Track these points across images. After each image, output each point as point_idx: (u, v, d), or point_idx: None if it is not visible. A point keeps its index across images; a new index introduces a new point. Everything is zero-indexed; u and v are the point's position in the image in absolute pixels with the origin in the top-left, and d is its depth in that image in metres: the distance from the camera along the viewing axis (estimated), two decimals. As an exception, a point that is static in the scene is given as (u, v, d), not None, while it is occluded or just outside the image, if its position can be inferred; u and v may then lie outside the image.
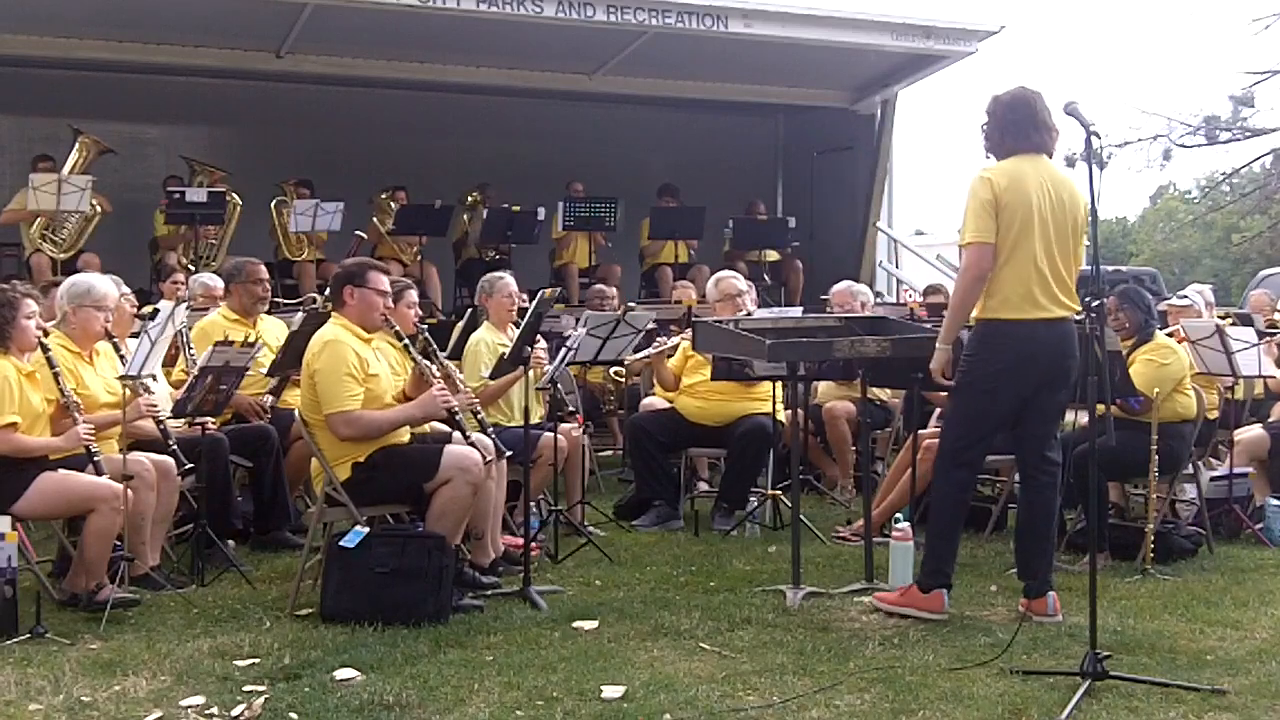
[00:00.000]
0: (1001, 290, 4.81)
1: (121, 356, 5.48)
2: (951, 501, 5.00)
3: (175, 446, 5.36)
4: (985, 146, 4.98)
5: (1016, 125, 4.88)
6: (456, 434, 5.47)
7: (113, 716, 3.83)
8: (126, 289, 6.15)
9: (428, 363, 5.47)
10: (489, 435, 5.42)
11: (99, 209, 9.95)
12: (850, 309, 7.85)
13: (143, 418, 5.27)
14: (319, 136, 11.89)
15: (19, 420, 4.89)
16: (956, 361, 4.93)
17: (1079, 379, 4.27)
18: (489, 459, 5.23)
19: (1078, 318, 4.82)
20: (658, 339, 7.51)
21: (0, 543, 4.66)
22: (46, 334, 5.20)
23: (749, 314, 7.26)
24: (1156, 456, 5.83)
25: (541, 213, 11.03)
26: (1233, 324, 7.16)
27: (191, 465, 5.40)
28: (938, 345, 4.96)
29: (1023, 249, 4.77)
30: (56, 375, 5.05)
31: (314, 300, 8.52)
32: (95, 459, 4.96)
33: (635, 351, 7.20)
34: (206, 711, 3.86)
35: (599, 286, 9.85)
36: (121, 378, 5.26)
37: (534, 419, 5.73)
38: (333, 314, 5.40)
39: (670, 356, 7.46)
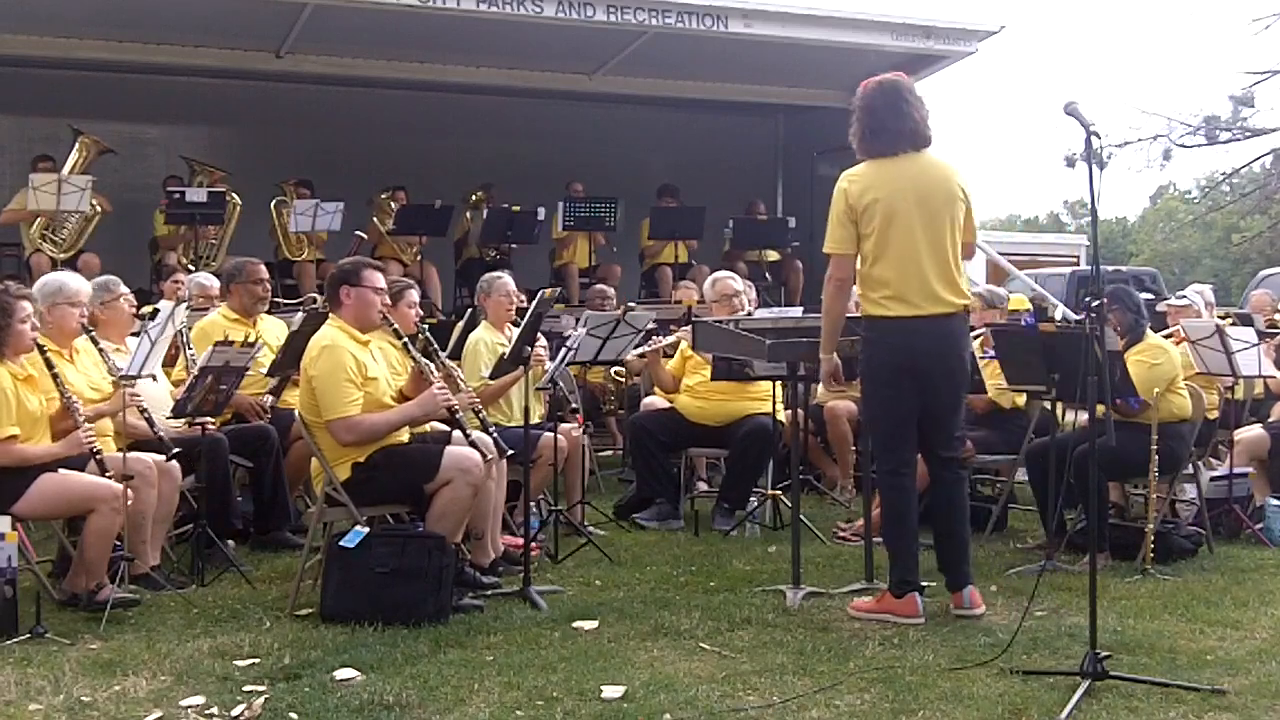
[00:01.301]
0: (877, 289, 4.85)
1: (102, 351, 5.47)
2: (894, 506, 4.99)
3: (162, 434, 5.36)
4: (855, 148, 5.00)
5: (873, 126, 4.90)
6: (457, 434, 5.48)
7: (113, 716, 3.83)
8: (126, 289, 6.15)
9: (428, 361, 5.47)
10: (490, 434, 5.41)
11: (99, 209, 9.95)
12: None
13: (127, 407, 5.25)
14: (319, 136, 11.88)
15: (18, 432, 4.88)
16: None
17: (1080, 378, 4.24)
18: (490, 457, 5.23)
19: (1076, 317, 4.82)
20: (655, 338, 7.51)
21: (0, 543, 4.66)
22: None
23: (749, 314, 7.26)
24: (1156, 456, 5.83)
25: (541, 213, 11.03)
26: (1233, 324, 7.16)
27: (179, 450, 5.39)
28: (820, 355, 5.05)
29: (892, 248, 4.80)
30: (56, 377, 5.05)
31: (314, 300, 8.52)
32: (98, 457, 4.95)
33: (636, 353, 7.21)
34: (206, 711, 3.86)
35: (599, 286, 9.85)
36: (121, 377, 5.27)
37: (534, 419, 5.73)
38: (330, 315, 5.40)
39: (669, 356, 7.46)
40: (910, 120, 4.89)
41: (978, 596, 4.98)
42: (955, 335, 4.89)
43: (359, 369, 5.14)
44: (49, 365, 5.06)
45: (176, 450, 5.35)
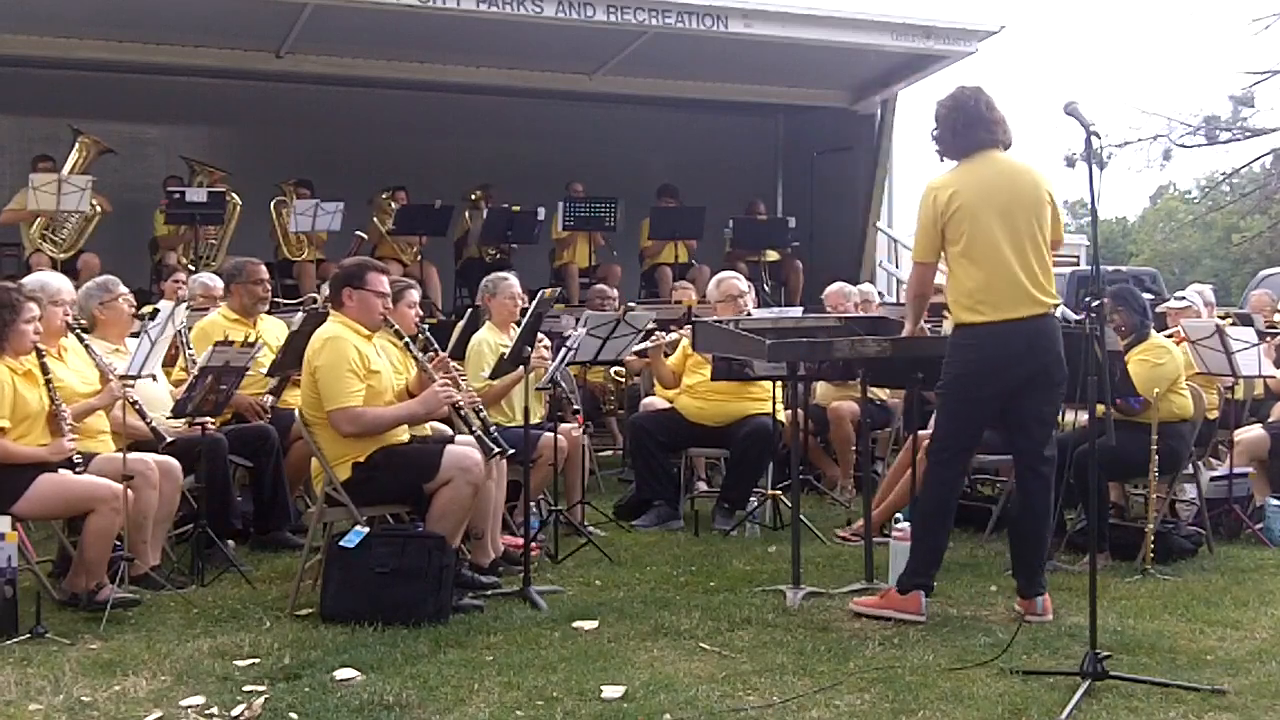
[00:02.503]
0: (969, 296, 4.82)
1: (88, 348, 5.46)
2: (938, 503, 4.99)
3: (154, 424, 5.35)
4: (938, 151, 4.99)
5: (964, 127, 4.89)
6: (457, 434, 5.47)
7: (113, 716, 3.83)
8: (125, 289, 6.16)
9: (429, 357, 5.47)
10: (491, 434, 5.40)
11: (99, 209, 9.95)
12: (843, 309, 7.86)
13: (117, 400, 5.24)
14: (319, 136, 11.88)
15: (8, 425, 4.88)
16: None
17: (1080, 378, 4.27)
18: (495, 453, 5.22)
19: (1076, 317, 4.82)
20: (657, 334, 7.50)
21: (0, 543, 4.66)
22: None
23: (749, 314, 7.26)
24: (1156, 456, 5.83)
25: (541, 213, 11.02)
26: (1233, 324, 7.16)
27: (173, 440, 5.38)
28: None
29: (982, 252, 4.78)
30: (49, 383, 5.05)
31: (314, 300, 8.52)
32: (76, 469, 4.94)
33: (637, 350, 7.21)
34: (206, 711, 3.86)
35: (600, 286, 9.85)
36: (121, 378, 5.27)
37: (534, 419, 5.73)
38: (332, 313, 5.40)
39: (670, 354, 7.46)
40: (992, 121, 4.89)
41: (1050, 604, 4.95)
42: (1048, 334, 4.85)
43: (362, 361, 5.14)
44: (44, 370, 5.05)
45: (170, 441, 5.34)
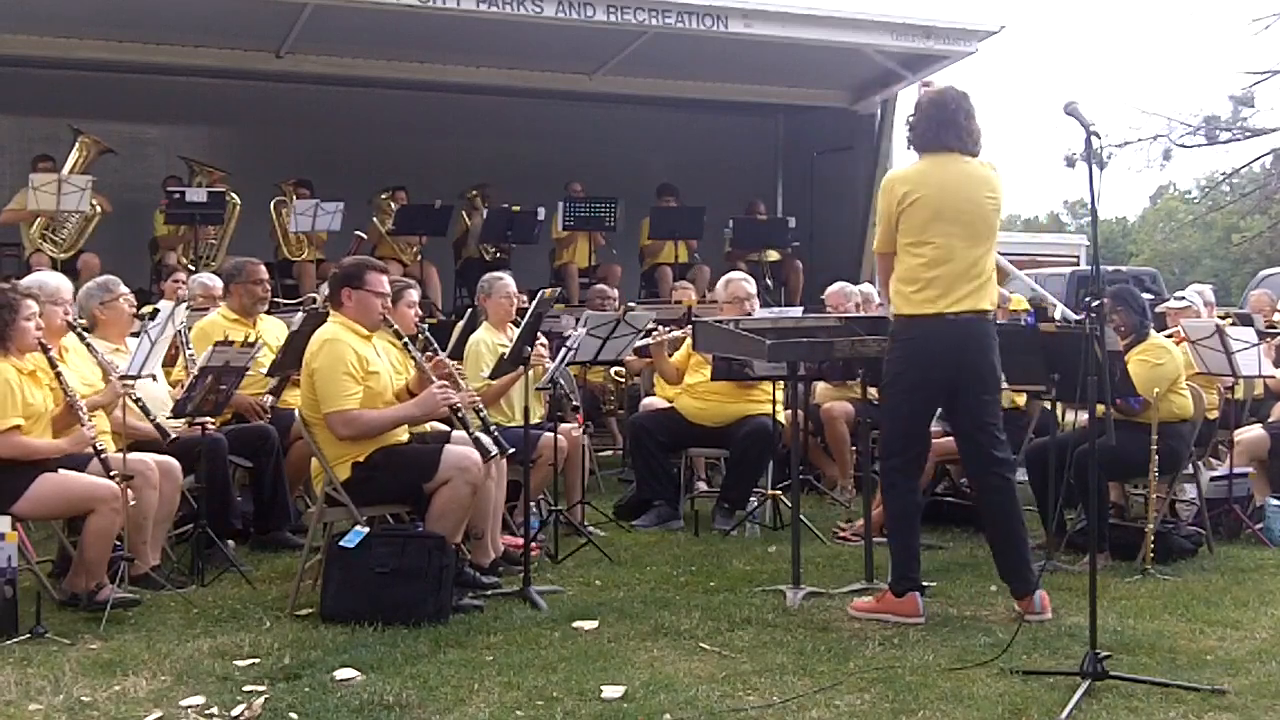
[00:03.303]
0: (907, 287, 4.86)
1: (90, 346, 5.46)
2: (900, 506, 4.99)
3: (157, 420, 5.35)
4: (909, 139, 5.04)
5: (938, 125, 4.91)
6: (456, 433, 5.48)
7: (113, 716, 3.83)
8: (126, 289, 6.16)
9: (427, 362, 5.47)
10: (492, 433, 5.41)
11: (99, 209, 9.95)
12: (844, 309, 7.85)
13: (119, 397, 5.24)
14: (319, 136, 11.88)
15: (21, 423, 4.89)
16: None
17: (1080, 378, 4.25)
18: (493, 454, 5.22)
19: (1076, 317, 4.83)
20: (661, 328, 7.49)
21: (0, 543, 4.66)
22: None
23: (748, 314, 7.26)
24: (1156, 456, 5.83)
25: (541, 213, 11.02)
26: (1233, 324, 7.16)
27: (176, 436, 5.37)
28: None
29: (929, 246, 4.81)
30: (59, 375, 5.05)
31: (314, 300, 8.51)
32: (102, 456, 4.95)
33: (638, 348, 7.21)
34: (206, 711, 3.86)
35: (600, 286, 9.85)
36: (121, 378, 5.27)
37: (534, 419, 5.73)
38: (331, 313, 5.40)
39: (675, 350, 7.44)
40: (962, 129, 4.91)
41: (1047, 600, 4.95)
42: (982, 336, 4.88)
43: (360, 363, 5.14)
44: (52, 365, 5.06)
45: (174, 437, 5.34)
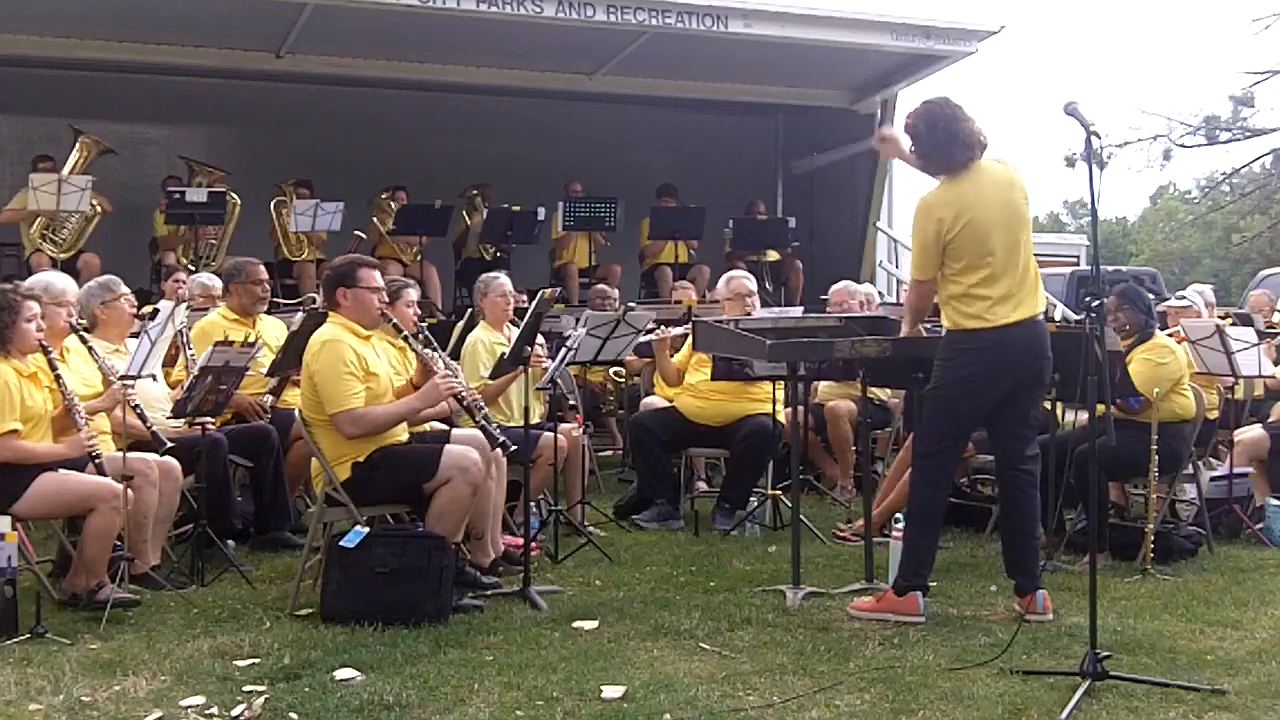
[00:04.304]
0: (971, 305, 4.84)
1: (91, 349, 5.46)
2: (928, 505, 5.00)
3: (154, 429, 5.35)
4: (924, 168, 5.00)
5: (940, 145, 4.89)
6: (456, 432, 5.47)
7: (113, 716, 3.83)
8: (126, 289, 6.16)
9: (430, 353, 5.47)
10: (493, 431, 5.39)
11: (99, 209, 9.96)
12: (849, 309, 7.85)
13: (119, 403, 5.24)
14: (319, 136, 11.88)
15: (20, 427, 4.89)
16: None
17: (1080, 378, 4.26)
18: (500, 441, 5.21)
19: (1076, 317, 4.84)
20: (663, 327, 7.48)
21: (0, 543, 4.66)
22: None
23: (747, 313, 7.26)
24: (1156, 456, 5.83)
25: (541, 213, 11.03)
26: (1233, 324, 7.16)
27: (172, 444, 5.37)
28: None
29: (979, 260, 4.80)
30: (59, 378, 5.05)
31: (313, 300, 8.51)
32: (97, 461, 4.95)
33: (638, 348, 7.21)
34: (206, 711, 3.86)
35: (600, 286, 9.85)
36: (121, 378, 5.26)
37: (534, 419, 5.73)
38: (330, 314, 5.39)
39: (677, 350, 7.44)
40: (975, 126, 4.90)
41: (1049, 600, 4.96)
42: (1041, 338, 4.91)
43: (359, 362, 5.13)
44: (52, 367, 5.06)
45: (170, 445, 5.34)
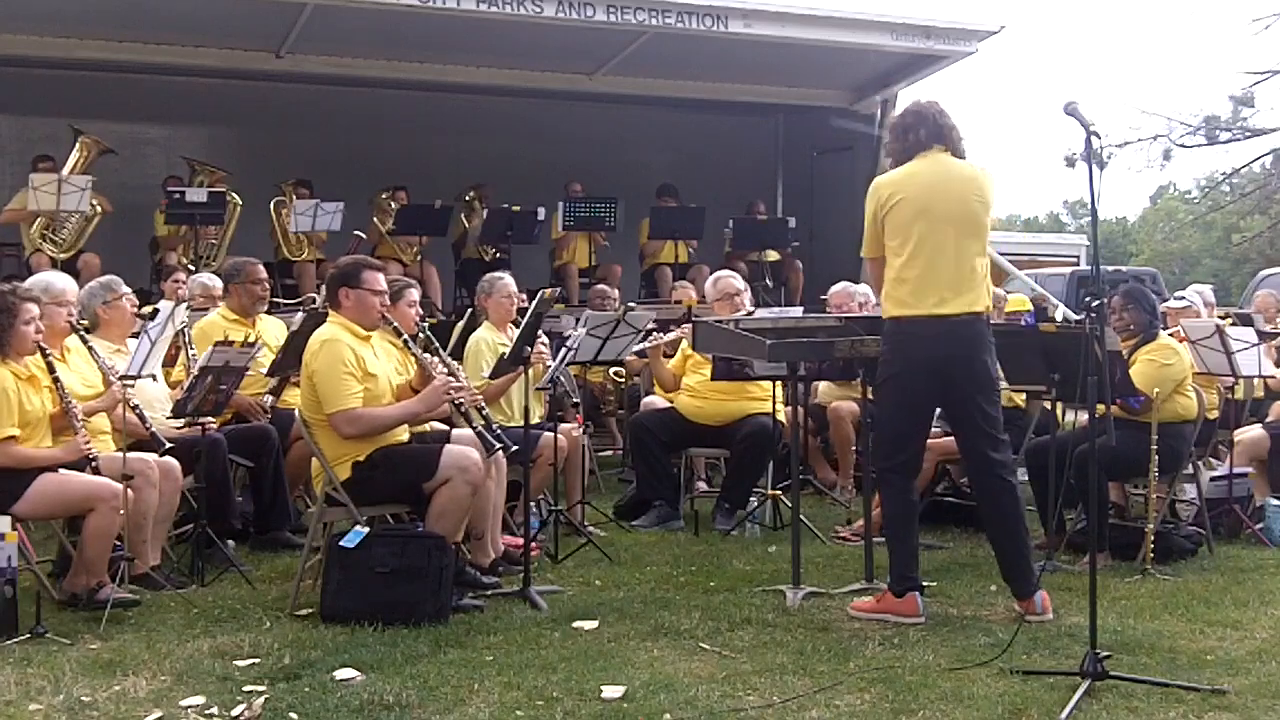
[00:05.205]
0: (897, 289, 4.85)
1: (92, 349, 5.45)
2: (896, 507, 4.99)
3: (153, 429, 5.35)
4: (886, 158, 5.10)
5: (911, 130, 4.93)
6: (456, 432, 5.46)
7: (113, 716, 3.83)
8: (127, 289, 6.16)
9: (430, 357, 5.47)
10: (494, 431, 5.39)
11: (99, 209, 9.95)
12: (848, 309, 7.85)
13: (119, 403, 5.24)
14: (319, 136, 11.87)
15: (18, 433, 4.89)
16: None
17: (1080, 378, 4.24)
18: (497, 449, 5.21)
19: (1076, 317, 4.83)
20: (655, 335, 7.50)
21: (0, 543, 4.66)
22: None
23: (749, 313, 7.26)
24: (1156, 456, 5.83)
25: (541, 213, 11.02)
26: (1233, 324, 7.16)
27: (171, 445, 5.38)
28: None
29: (917, 248, 4.80)
30: (57, 381, 5.05)
31: (313, 300, 8.52)
32: (94, 464, 4.95)
33: (637, 350, 7.21)
34: (206, 711, 3.86)
35: (601, 286, 9.85)
36: (121, 378, 5.26)
37: (534, 419, 5.73)
38: (330, 313, 5.40)
39: (670, 356, 7.46)
40: (944, 126, 4.93)
41: (1048, 600, 4.95)
42: (975, 338, 4.85)
43: (358, 363, 5.14)
44: (50, 369, 5.06)
45: (169, 446, 5.33)
